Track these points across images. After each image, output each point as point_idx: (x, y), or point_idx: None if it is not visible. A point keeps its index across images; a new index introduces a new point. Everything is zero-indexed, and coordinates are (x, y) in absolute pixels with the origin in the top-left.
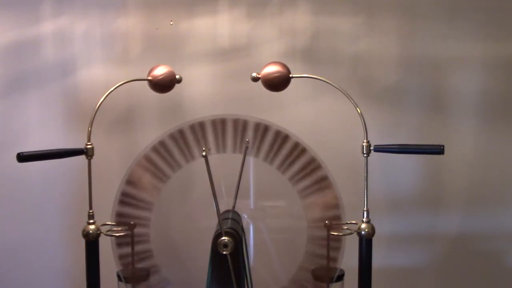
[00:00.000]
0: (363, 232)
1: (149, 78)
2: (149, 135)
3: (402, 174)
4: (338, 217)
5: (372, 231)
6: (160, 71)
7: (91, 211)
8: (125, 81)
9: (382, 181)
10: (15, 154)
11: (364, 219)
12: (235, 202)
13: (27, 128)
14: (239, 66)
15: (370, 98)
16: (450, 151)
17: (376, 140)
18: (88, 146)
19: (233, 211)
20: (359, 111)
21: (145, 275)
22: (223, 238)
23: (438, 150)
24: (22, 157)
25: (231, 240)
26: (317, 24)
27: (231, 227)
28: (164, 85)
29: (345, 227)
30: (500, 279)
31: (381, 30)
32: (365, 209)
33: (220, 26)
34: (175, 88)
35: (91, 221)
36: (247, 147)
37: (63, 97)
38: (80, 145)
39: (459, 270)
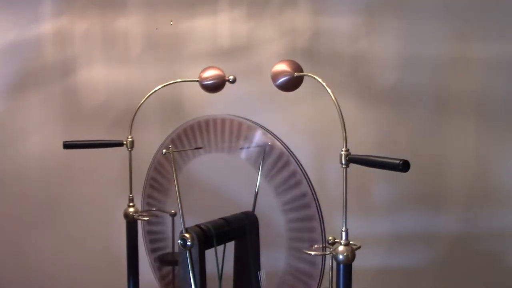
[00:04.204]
0: (340, 257)
1: (197, 79)
2: (149, 134)
3: (402, 174)
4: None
5: (352, 256)
6: (209, 73)
7: (131, 195)
8: (174, 81)
9: (382, 181)
10: (15, 153)
11: (343, 241)
12: (254, 204)
13: (27, 128)
14: (239, 66)
15: (370, 98)
16: (450, 151)
17: (376, 140)
18: (129, 139)
19: (251, 213)
20: (339, 111)
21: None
22: (183, 234)
23: (397, 166)
24: (66, 146)
25: (189, 237)
26: (317, 24)
27: (204, 225)
28: (210, 86)
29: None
30: (500, 279)
31: (381, 30)
32: (343, 229)
33: (220, 26)
34: (175, 88)
35: (131, 204)
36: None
37: (63, 97)
38: None
39: (459, 270)
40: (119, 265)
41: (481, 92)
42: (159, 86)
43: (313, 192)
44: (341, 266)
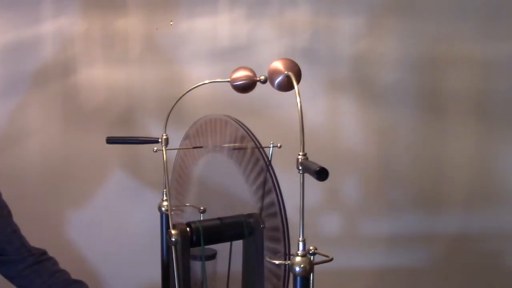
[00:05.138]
0: (297, 269)
1: (228, 80)
2: (149, 134)
3: (402, 173)
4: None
5: (309, 267)
6: (239, 74)
7: (165, 189)
8: (208, 81)
9: (382, 181)
10: (15, 153)
11: (299, 252)
12: (262, 206)
13: (27, 128)
14: (239, 66)
15: (370, 98)
16: (450, 151)
17: (376, 140)
18: (164, 137)
19: (256, 215)
20: (300, 113)
21: (213, 254)
22: (169, 230)
23: (312, 173)
24: (109, 141)
25: (174, 234)
26: (317, 24)
27: (194, 224)
28: (241, 87)
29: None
30: (500, 279)
31: (381, 30)
32: (300, 239)
33: (220, 26)
34: (175, 88)
35: (165, 198)
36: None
37: (63, 97)
38: (79, 144)
39: (459, 270)
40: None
41: (481, 92)
42: (193, 86)
43: (280, 201)
44: (298, 278)
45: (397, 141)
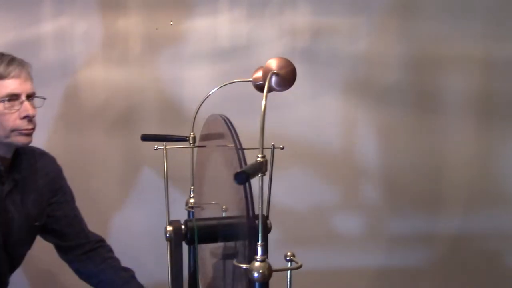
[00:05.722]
0: (255, 274)
1: (251, 79)
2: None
3: (402, 173)
4: None
5: (268, 273)
6: (260, 74)
7: (192, 187)
8: (230, 81)
9: (382, 180)
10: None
11: (258, 257)
12: (268, 207)
13: None
14: (239, 66)
15: (370, 98)
16: (450, 151)
17: (376, 140)
18: (191, 135)
19: (264, 216)
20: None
21: (233, 253)
22: (166, 226)
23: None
24: (143, 138)
25: (168, 230)
26: (317, 24)
27: (191, 222)
28: (262, 87)
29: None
30: (500, 279)
31: (381, 30)
32: (259, 244)
33: (220, 26)
34: (175, 88)
35: (192, 195)
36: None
37: (63, 97)
38: (80, 144)
39: (459, 270)
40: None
41: (481, 93)
42: (216, 88)
43: (248, 203)
44: (257, 284)
45: (397, 141)
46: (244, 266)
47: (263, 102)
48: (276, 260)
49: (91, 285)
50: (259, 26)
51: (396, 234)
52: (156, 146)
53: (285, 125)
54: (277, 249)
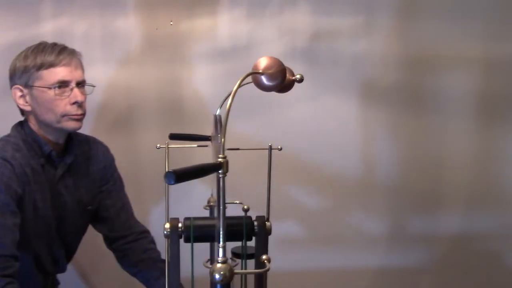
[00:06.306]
0: (217, 276)
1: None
2: (149, 134)
3: (402, 173)
4: None
5: (229, 274)
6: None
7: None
8: (246, 82)
9: (382, 180)
10: None
11: (220, 259)
12: (268, 208)
13: None
14: (239, 66)
15: (370, 98)
16: (450, 151)
17: (376, 140)
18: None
19: (259, 218)
20: (226, 115)
21: (252, 253)
22: (165, 224)
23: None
24: (171, 137)
25: (167, 227)
26: (317, 24)
27: (190, 220)
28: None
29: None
30: (500, 279)
31: (381, 30)
32: (220, 245)
33: (220, 26)
34: (175, 88)
35: (212, 193)
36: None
37: None
38: None
39: (459, 270)
40: None
41: (481, 93)
42: (234, 90)
43: (221, 201)
44: (218, 286)
45: (397, 141)
46: (208, 267)
47: (229, 101)
48: (277, 260)
49: (131, 274)
50: (259, 26)
51: (396, 234)
52: (158, 145)
53: (285, 125)
54: (277, 249)
